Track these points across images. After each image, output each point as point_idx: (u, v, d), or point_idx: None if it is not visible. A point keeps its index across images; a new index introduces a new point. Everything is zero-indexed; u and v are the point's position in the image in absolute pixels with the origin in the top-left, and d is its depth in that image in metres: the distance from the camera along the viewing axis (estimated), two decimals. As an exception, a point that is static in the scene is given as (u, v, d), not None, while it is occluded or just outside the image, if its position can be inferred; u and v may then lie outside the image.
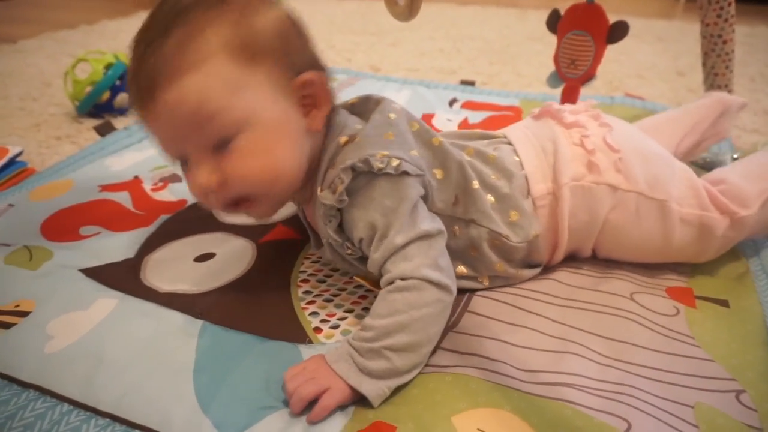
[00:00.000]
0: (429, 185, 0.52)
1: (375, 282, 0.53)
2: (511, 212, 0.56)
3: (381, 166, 0.48)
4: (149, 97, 0.45)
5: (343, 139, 0.51)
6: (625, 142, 0.58)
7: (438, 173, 0.54)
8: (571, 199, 0.56)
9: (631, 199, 0.56)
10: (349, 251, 0.52)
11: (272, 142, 0.49)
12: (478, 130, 0.65)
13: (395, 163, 0.48)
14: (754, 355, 0.50)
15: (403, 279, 0.47)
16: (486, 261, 0.56)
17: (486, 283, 0.57)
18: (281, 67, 0.48)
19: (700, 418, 0.44)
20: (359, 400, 0.45)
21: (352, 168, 0.48)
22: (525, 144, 0.60)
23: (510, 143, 0.61)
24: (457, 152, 0.55)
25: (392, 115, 0.53)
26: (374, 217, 0.49)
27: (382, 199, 0.49)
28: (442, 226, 0.51)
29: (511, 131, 0.63)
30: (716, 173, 0.63)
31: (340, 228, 0.52)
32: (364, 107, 0.56)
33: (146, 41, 0.46)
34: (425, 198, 0.52)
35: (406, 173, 0.49)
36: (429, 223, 0.50)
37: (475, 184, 0.54)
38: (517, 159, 0.59)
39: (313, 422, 0.43)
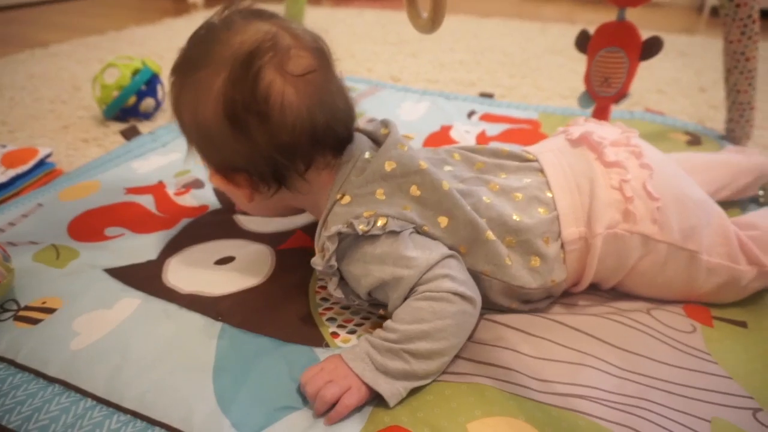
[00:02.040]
0: (428, 234, 0.52)
1: None
2: (532, 258, 0.53)
3: (365, 228, 0.49)
4: None
5: (338, 196, 0.53)
6: (666, 187, 0.55)
7: (443, 221, 0.52)
8: (603, 247, 0.54)
9: (662, 248, 0.54)
10: (357, 302, 0.54)
11: (233, 197, 0.60)
12: (507, 149, 0.62)
13: (381, 222, 0.49)
14: (772, 375, 0.50)
15: (430, 291, 0.47)
16: (495, 305, 0.55)
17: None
18: (202, 154, 0.55)
19: (717, 434, 0.43)
20: (376, 401, 0.46)
21: (338, 233, 0.49)
22: (559, 178, 0.56)
23: (542, 170, 0.58)
24: (471, 201, 0.53)
25: (389, 166, 0.52)
26: (377, 269, 0.49)
27: (374, 253, 0.49)
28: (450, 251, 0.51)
29: (545, 155, 0.59)
30: (750, 217, 0.61)
31: (343, 281, 0.53)
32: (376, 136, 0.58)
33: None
34: None
35: (393, 232, 0.50)
36: (439, 248, 0.50)
37: (490, 235, 0.51)
38: (550, 195, 0.55)
39: (332, 422, 0.44)
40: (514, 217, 0.53)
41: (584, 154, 0.57)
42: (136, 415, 0.45)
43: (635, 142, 0.58)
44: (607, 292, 0.60)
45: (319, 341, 0.53)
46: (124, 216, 0.74)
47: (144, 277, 0.61)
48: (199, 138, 0.53)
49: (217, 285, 0.60)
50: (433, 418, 0.44)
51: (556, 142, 0.61)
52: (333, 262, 0.50)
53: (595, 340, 0.53)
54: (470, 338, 0.52)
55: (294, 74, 0.49)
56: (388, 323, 0.48)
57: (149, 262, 0.64)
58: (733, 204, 0.74)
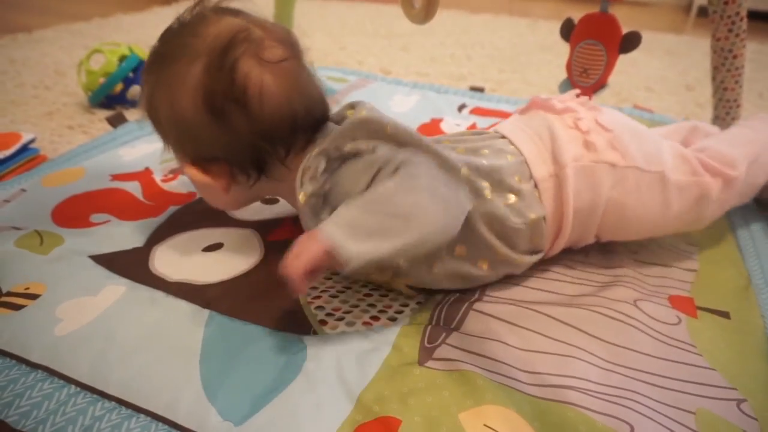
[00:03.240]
0: None
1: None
2: (508, 195, 0.55)
3: (351, 148, 0.50)
4: None
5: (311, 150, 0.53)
6: (616, 122, 0.60)
7: None
8: (574, 180, 0.57)
9: (630, 174, 0.58)
10: None
11: (199, 188, 0.60)
12: (468, 130, 0.66)
13: (365, 145, 0.51)
14: (755, 366, 0.50)
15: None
16: (485, 242, 0.54)
17: (485, 268, 0.56)
18: (175, 150, 0.56)
19: (702, 424, 0.44)
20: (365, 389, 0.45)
21: (325, 154, 0.50)
22: (519, 134, 0.60)
23: (503, 136, 0.61)
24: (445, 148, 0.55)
25: (360, 112, 0.54)
26: (365, 173, 0.49)
27: (366, 164, 0.49)
28: None
29: (502, 126, 0.64)
30: (697, 145, 0.66)
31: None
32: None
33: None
34: None
35: (375, 146, 0.50)
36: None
37: (465, 171, 0.54)
38: (512, 147, 0.59)
39: (288, 274, 0.43)
40: (485, 162, 0.56)
41: (536, 113, 0.63)
42: (120, 401, 0.45)
43: (581, 98, 0.64)
44: (593, 268, 0.62)
45: (308, 329, 0.52)
46: (110, 202, 0.73)
47: (130, 264, 0.60)
48: (177, 131, 0.53)
49: (205, 272, 0.60)
50: (425, 407, 0.44)
51: (510, 118, 0.67)
52: (326, 177, 0.50)
53: (581, 332, 0.53)
54: (458, 329, 0.53)
55: (270, 62, 0.51)
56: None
57: (136, 249, 0.63)
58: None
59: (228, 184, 0.55)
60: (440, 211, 0.46)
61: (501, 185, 0.55)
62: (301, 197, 0.52)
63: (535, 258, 0.59)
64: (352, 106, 0.58)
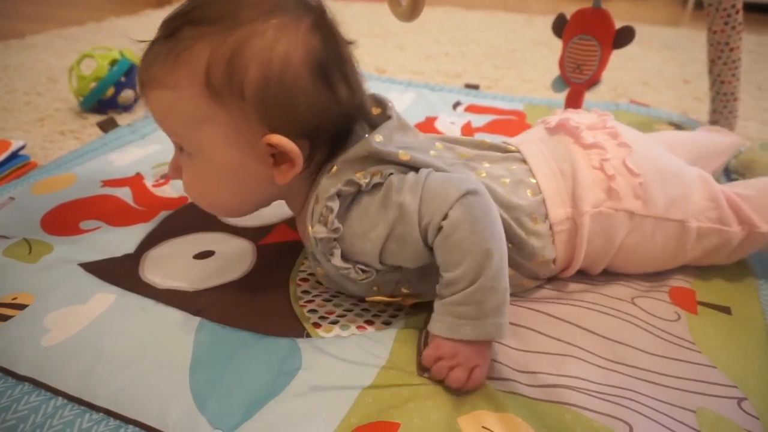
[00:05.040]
0: None
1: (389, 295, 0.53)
2: (522, 233, 0.53)
3: (366, 180, 0.47)
4: (141, 86, 0.49)
5: (330, 167, 0.49)
6: (645, 162, 0.56)
7: None
8: (590, 226, 0.54)
9: (649, 222, 0.55)
10: (363, 277, 0.49)
11: (214, 180, 0.50)
12: (489, 140, 0.61)
13: (379, 175, 0.47)
14: (756, 363, 0.50)
15: (444, 219, 0.45)
16: None
17: None
18: (248, 118, 0.46)
19: (703, 423, 0.43)
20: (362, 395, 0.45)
21: (338, 194, 0.46)
22: (541, 165, 0.57)
23: (524, 161, 0.58)
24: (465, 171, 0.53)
25: (378, 137, 0.48)
26: (382, 216, 0.46)
27: (374, 202, 0.47)
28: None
29: (526, 146, 0.60)
30: (739, 184, 0.62)
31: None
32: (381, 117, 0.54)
33: (160, 32, 0.47)
34: None
35: (392, 178, 0.47)
36: (470, 182, 0.47)
37: None
38: (533, 181, 0.56)
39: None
40: (504, 194, 0.53)
41: (563, 140, 0.58)
42: (108, 413, 0.44)
43: (611, 124, 0.59)
44: (594, 276, 0.60)
45: (300, 332, 0.52)
46: (100, 209, 0.72)
47: (120, 272, 0.59)
48: (273, 94, 0.45)
49: (196, 279, 0.59)
50: (424, 410, 0.43)
51: (536, 132, 0.62)
52: (337, 224, 0.46)
53: (580, 330, 0.52)
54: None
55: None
56: (443, 277, 0.46)
57: (126, 256, 0.62)
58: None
59: (294, 168, 0.48)
60: (497, 226, 0.47)
61: (517, 223, 0.53)
62: (311, 233, 0.48)
63: (536, 283, 0.58)
64: (377, 101, 0.54)
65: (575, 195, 0.55)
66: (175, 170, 0.52)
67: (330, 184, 0.47)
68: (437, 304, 0.47)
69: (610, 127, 0.58)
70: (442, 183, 0.46)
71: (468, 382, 0.45)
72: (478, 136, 0.62)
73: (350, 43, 0.50)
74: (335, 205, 0.46)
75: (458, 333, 0.45)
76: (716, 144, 0.76)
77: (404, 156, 0.48)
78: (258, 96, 0.45)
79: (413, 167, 0.49)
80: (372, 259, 0.48)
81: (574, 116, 0.60)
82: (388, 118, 0.51)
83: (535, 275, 0.57)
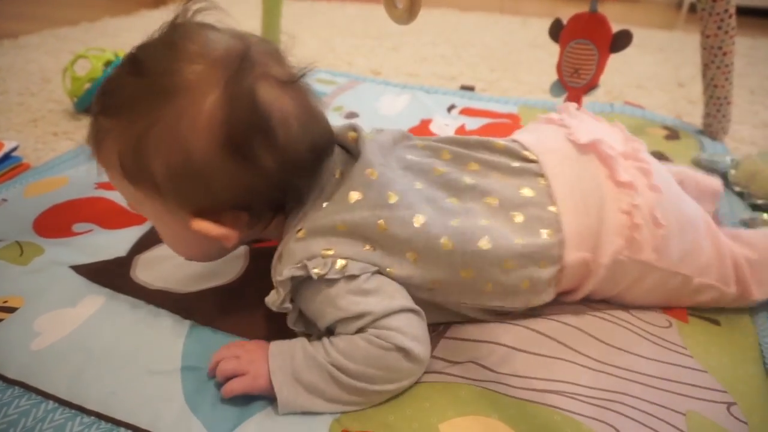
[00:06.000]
0: (393, 277, 0.46)
1: None
2: (523, 281, 0.49)
3: (321, 273, 0.44)
4: None
5: (298, 228, 0.47)
6: (670, 212, 0.51)
7: (411, 256, 0.47)
8: (604, 273, 0.51)
9: (657, 272, 0.52)
10: (317, 333, 0.48)
11: (171, 239, 0.51)
12: (503, 142, 0.56)
13: (339, 265, 0.45)
14: (746, 370, 0.50)
15: (377, 337, 0.43)
16: (465, 317, 0.52)
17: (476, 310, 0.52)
18: (168, 204, 0.45)
19: (692, 427, 0.44)
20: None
21: (291, 277, 0.45)
22: (565, 190, 0.51)
23: (542, 174, 0.52)
24: (465, 223, 0.48)
25: (353, 197, 0.47)
26: (332, 312, 0.45)
27: (329, 295, 0.45)
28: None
29: (547, 158, 0.54)
30: (749, 235, 0.59)
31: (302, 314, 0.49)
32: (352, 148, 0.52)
33: (103, 92, 0.46)
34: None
35: (352, 276, 0.45)
36: (401, 298, 0.46)
37: (466, 273, 0.47)
38: (553, 210, 0.50)
39: (225, 395, 0.45)
40: (517, 241, 0.48)
41: (593, 169, 0.52)
42: (100, 416, 0.44)
43: (642, 156, 0.54)
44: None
45: (292, 337, 0.51)
46: (93, 211, 0.71)
47: (111, 274, 0.59)
48: (183, 180, 0.43)
49: (188, 283, 0.58)
50: (405, 419, 0.44)
51: (558, 142, 0.55)
52: (287, 304, 0.46)
53: (571, 328, 0.52)
54: (444, 335, 0.52)
55: (283, 81, 0.44)
56: (330, 340, 0.45)
57: (117, 259, 0.62)
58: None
59: (239, 234, 0.47)
60: (395, 388, 0.45)
61: (524, 266, 0.49)
62: (266, 300, 0.47)
63: (526, 309, 0.54)
64: (353, 128, 0.53)
65: (596, 240, 0.50)
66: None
67: (297, 250, 0.46)
68: (302, 339, 0.47)
69: (642, 160, 0.53)
70: (379, 302, 0.45)
71: (224, 386, 0.45)
72: (488, 138, 0.58)
73: (295, 80, 0.45)
74: (286, 288, 0.45)
75: (275, 363, 0.45)
76: (704, 183, 0.71)
77: (382, 227, 0.46)
78: (170, 185, 0.43)
79: (389, 236, 0.46)
80: (321, 329, 0.48)
81: (605, 135, 0.55)
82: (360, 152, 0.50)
83: (528, 306, 0.53)
